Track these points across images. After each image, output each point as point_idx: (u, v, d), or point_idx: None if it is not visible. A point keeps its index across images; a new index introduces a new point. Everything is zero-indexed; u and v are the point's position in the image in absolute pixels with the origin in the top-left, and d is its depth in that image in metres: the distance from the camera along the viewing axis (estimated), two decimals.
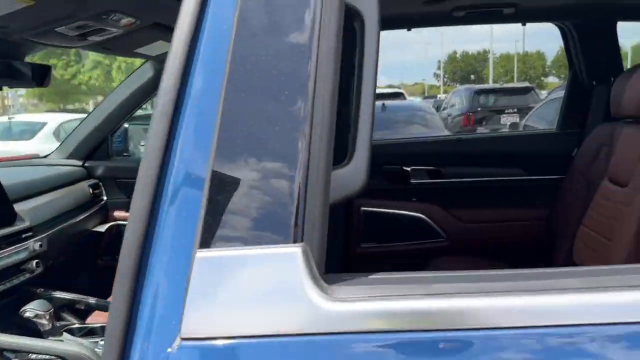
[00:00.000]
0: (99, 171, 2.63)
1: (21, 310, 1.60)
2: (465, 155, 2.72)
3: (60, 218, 2.13)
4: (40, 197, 2.11)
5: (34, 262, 1.87)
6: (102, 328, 1.84)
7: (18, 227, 1.85)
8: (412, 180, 2.55)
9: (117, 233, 2.61)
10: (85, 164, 2.62)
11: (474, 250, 2.34)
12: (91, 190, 2.49)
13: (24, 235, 1.86)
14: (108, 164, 2.65)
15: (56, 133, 8.28)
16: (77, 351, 1.50)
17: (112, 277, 0.69)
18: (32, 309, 1.60)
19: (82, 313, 1.95)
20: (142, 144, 3.38)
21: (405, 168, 2.56)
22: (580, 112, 2.61)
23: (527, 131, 7.03)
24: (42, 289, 1.91)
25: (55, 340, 1.55)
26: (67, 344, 1.52)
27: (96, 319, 1.93)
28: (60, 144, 2.66)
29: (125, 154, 2.81)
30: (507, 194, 2.54)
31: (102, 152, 2.66)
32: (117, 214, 2.61)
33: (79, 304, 1.92)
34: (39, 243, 1.89)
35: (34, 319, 1.60)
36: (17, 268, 1.81)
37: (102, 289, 2.73)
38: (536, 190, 2.49)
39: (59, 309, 1.91)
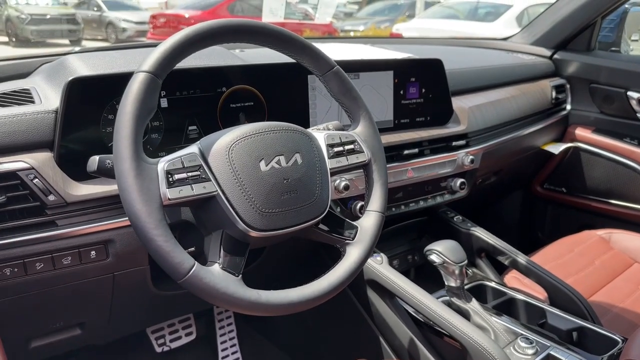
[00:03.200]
0: (571, 68, 1.86)
1: (426, 248, 1.15)
2: None
3: (503, 127, 1.55)
4: (486, 93, 1.55)
5: (459, 181, 1.38)
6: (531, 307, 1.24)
7: (450, 130, 1.37)
8: None
9: (572, 158, 1.88)
10: (555, 56, 1.89)
11: None
12: (554, 94, 1.78)
13: (454, 144, 1.36)
14: (586, 59, 1.84)
15: (520, 18, 7.64)
16: (483, 345, 0.96)
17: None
18: (439, 253, 1.12)
19: (498, 266, 1.40)
20: (633, 37, 2.38)
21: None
22: None
23: None
24: (458, 220, 1.43)
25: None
26: (474, 330, 1.00)
27: (513, 284, 1.35)
28: (528, 25, 1.99)
29: (613, 48, 1.92)
30: None
31: (581, 41, 1.86)
32: (581, 132, 1.85)
33: (502, 255, 1.36)
34: (471, 157, 1.37)
35: (440, 267, 1.13)
36: (436, 184, 1.37)
37: (526, 236, 2.16)
38: None
39: (475, 253, 1.41)
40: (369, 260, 1.17)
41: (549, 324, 1.18)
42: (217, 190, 0.71)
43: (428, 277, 1.30)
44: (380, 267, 1.16)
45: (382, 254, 1.20)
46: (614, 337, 1.09)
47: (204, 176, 0.70)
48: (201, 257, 0.75)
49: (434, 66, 1.34)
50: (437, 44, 2.10)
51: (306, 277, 0.80)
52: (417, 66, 1.31)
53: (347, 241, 0.84)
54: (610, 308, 1.31)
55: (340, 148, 0.85)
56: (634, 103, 1.72)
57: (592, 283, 1.39)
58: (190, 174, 0.69)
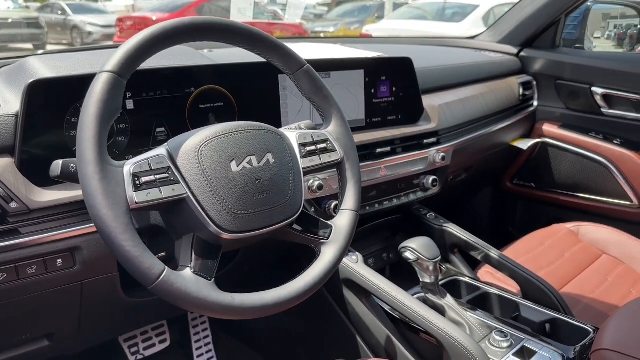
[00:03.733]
0: (537, 65, 1.90)
1: (401, 246, 1.15)
2: None
3: (473, 124, 1.57)
4: (455, 91, 1.57)
5: (431, 178, 1.39)
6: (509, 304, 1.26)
7: (421, 128, 1.38)
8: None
9: (540, 153, 1.92)
10: (521, 54, 1.92)
11: None
12: (521, 91, 1.81)
13: (425, 141, 1.37)
14: (551, 56, 1.88)
15: (486, 18, 7.78)
16: (459, 340, 0.97)
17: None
18: (413, 250, 1.12)
19: (471, 261, 1.41)
20: (595, 35, 2.45)
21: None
22: None
23: None
24: (431, 217, 1.44)
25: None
26: (450, 325, 1.00)
27: (486, 278, 1.36)
28: (494, 23, 2.02)
29: (577, 45, 1.97)
30: None
31: (546, 38, 1.90)
32: (548, 128, 1.89)
33: (475, 250, 1.37)
34: (443, 154, 1.38)
35: (414, 264, 1.14)
36: (408, 182, 1.37)
37: (497, 231, 2.20)
38: None
39: (448, 249, 1.42)
40: (345, 260, 1.17)
41: (523, 317, 1.19)
42: (186, 193, 0.69)
43: (403, 274, 1.31)
44: (356, 266, 1.16)
45: (357, 253, 1.20)
46: (586, 327, 1.11)
47: (172, 178, 0.69)
48: (172, 262, 0.73)
49: (404, 65, 1.35)
50: (407, 44, 2.12)
51: (282, 279, 0.79)
52: (387, 65, 1.32)
53: (322, 241, 0.84)
54: (580, 299, 1.33)
55: (313, 147, 0.85)
56: (598, 98, 1.77)
57: (562, 275, 1.42)
58: (158, 176, 0.68)
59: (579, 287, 1.38)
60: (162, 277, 0.65)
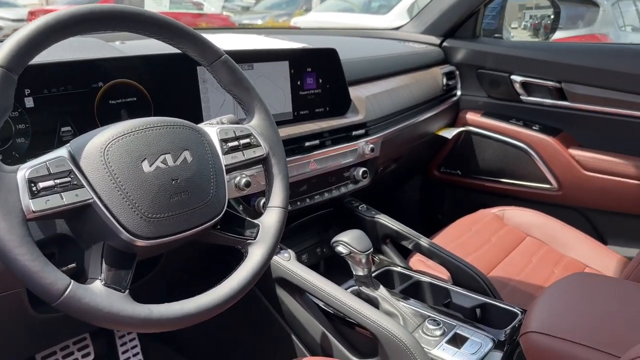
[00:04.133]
0: (459, 55, 1.94)
1: (333, 240, 1.13)
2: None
3: (400, 114, 1.58)
4: (382, 82, 1.56)
5: (361, 170, 1.37)
6: (435, 288, 1.27)
7: (350, 119, 1.36)
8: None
9: (465, 141, 1.97)
10: (444, 44, 1.96)
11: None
12: (444, 81, 1.84)
13: (354, 133, 1.36)
14: (472, 46, 1.93)
15: (410, 10, 7.96)
16: (392, 332, 0.96)
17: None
18: (346, 244, 1.11)
19: (403, 251, 1.42)
20: (513, 25, 2.54)
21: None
22: None
23: None
24: (363, 209, 1.44)
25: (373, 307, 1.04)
26: (383, 317, 0.99)
27: (417, 267, 1.38)
28: (417, 14, 2.05)
29: (496, 35, 2.04)
30: None
31: (467, 28, 1.95)
32: (471, 116, 1.94)
33: (406, 240, 1.38)
34: (371, 146, 1.37)
35: (347, 258, 1.12)
36: (339, 174, 1.35)
37: (428, 219, 2.24)
38: None
39: (380, 240, 1.42)
40: (277, 258, 1.13)
41: (454, 303, 1.21)
42: (92, 198, 0.62)
43: (338, 268, 1.29)
44: (288, 263, 1.12)
45: (289, 250, 1.16)
46: (514, 309, 1.14)
47: (75, 182, 0.62)
48: (83, 275, 0.66)
49: (329, 56, 1.32)
50: (332, 35, 2.10)
51: (212, 284, 0.75)
52: (312, 56, 1.29)
53: (249, 241, 0.80)
54: (508, 282, 1.38)
55: (235, 143, 0.80)
56: (517, 86, 1.84)
57: (490, 259, 1.46)
58: (58, 180, 0.61)
59: (505, 270, 1.43)
60: (67, 292, 0.58)
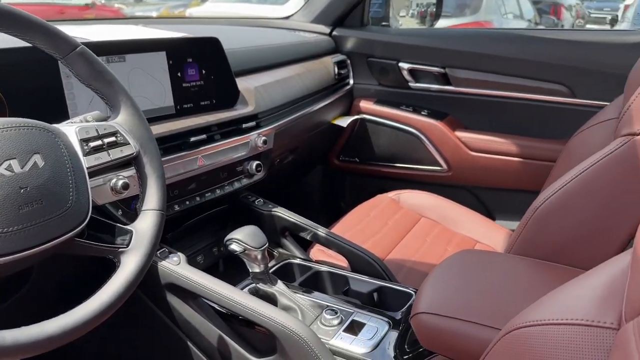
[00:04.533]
0: (349, 44, 1.96)
1: (226, 239, 1.09)
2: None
3: (293, 105, 1.55)
4: (272, 72, 1.53)
5: (255, 163, 1.34)
6: (335, 277, 1.27)
7: (239, 112, 1.32)
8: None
9: (360, 129, 1.99)
10: (334, 33, 1.97)
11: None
12: (336, 70, 1.85)
13: (244, 126, 1.32)
14: (360, 34, 1.96)
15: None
16: (288, 327, 0.94)
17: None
18: (239, 241, 1.07)
19: (303, 243, 1.41)
20: (401, 13, 2.62)
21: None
22: None
23: None
24: (260, 203, 1.40)
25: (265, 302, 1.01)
26: (279, 313, 0.97)
27: (318, 257, 1.37)
28: (306, 3, 2.03)
29: (384, 23, 2.08)
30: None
31: (355, 17, 1.97)
32: (365, 104, 1.97)
33: (304, 231, 1.36)
34: (264, 138, 1.34)
35: (242, 255, 1.08)
36: (231, 169, 1.31)
37: (331, 207, 2.26)
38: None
39: (279, 233, 1.39)
40: (165, 263, 1.06)
41: (352, 290, 1.22)
42: None
43: (238, 266, 1.25)
44: (178, 267, 1.06)
45: (179, 253, 1.10)
46: (408, 290, 1.17)
47: None
48: None
49: (211, 45, 1.27)
50: (220, 24, 2.03)
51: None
52: (193, 46, 1.22)
53: (121, 249, 0.73)
54: (404, 263, 1.41)
55: (99, 142, 0.73)
56: (405, 73, 1.89)
57: (387, 243, 1.49)
58: None
59: (402, 252, 1.46)
60: None
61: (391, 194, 1.74)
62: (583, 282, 0.67)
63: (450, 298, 0.91)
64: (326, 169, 2.18)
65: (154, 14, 10.03)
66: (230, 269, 1.33)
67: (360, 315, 1.07)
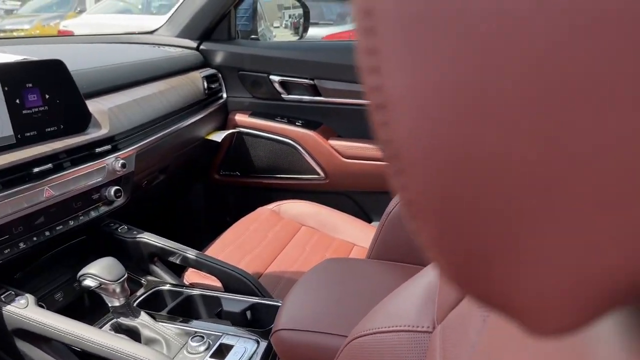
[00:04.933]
0: (218, 58, 1.94)
1: (79, 275, 1.02)
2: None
3: (155, 123, 1.50)
4: (130, 91, 1.47)
5: (113, 189, 1.27)
6: (207, 299, 1.24)
7: (91, 136, 1.24)
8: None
9: (238, 143, 1.98)
10: (201, 47, 1.93)
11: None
12: (206, 84, 1.82)
13: (98, 150, 1.25)
14: (229, 48, 1.94)
15: None
16: None
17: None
18: (93, 276, 1.01)
19: (176, 267, 1.37)
20: (275, 24, 2.64)
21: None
22: None
23: None
24: (123, 230, 1.34)
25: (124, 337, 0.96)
26: (139, 348, 0.92)
27: (192, 280, 1.34)
28: (171, 17, 1.98)
29: (253, 36, 2.08)
30: None
31: (222, 30, 1.95)
32: (240, 118, 1.95)
33: (173, 255, 1.32)
34: (122, 161, 1.28)
35: (99, 290, 1.02)
36: (86, 198, 1.23)
37: (217, 223, 2.21)
38: None
39: (147, 260, 1.33)
40: (10, 307, 0.98)
41: (225, 311, 1.20)
42: None
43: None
44: (25, 311, 0.98)
45: (27, 295, 1.01)
46: (278, 304, 1.17)
47: None
48: None
49: (54, 68, 1.18)
50: (78, 42, 1.91)
51: None
52: (32, 69, 1.13)
53: None
54: (282, 275, 1.42)
55: None
56: (276, 85, 1.90)
57: (267, 256, 1.48)
58: None
59: (281, 265, 1.47)
60: None
61: (271, 206, 1.74)
62: (410, 288, 0.70)
63: (308, 311, 0.93)
64: (208, 185, 2.13)
65: (27, 27, 9.28)
66: (98, 302, 1.25)
67: (229, 338, 1.05)
